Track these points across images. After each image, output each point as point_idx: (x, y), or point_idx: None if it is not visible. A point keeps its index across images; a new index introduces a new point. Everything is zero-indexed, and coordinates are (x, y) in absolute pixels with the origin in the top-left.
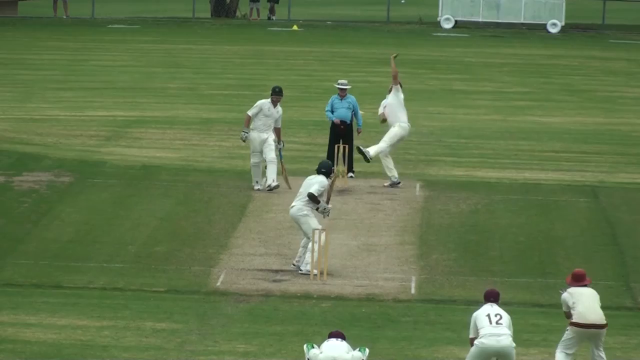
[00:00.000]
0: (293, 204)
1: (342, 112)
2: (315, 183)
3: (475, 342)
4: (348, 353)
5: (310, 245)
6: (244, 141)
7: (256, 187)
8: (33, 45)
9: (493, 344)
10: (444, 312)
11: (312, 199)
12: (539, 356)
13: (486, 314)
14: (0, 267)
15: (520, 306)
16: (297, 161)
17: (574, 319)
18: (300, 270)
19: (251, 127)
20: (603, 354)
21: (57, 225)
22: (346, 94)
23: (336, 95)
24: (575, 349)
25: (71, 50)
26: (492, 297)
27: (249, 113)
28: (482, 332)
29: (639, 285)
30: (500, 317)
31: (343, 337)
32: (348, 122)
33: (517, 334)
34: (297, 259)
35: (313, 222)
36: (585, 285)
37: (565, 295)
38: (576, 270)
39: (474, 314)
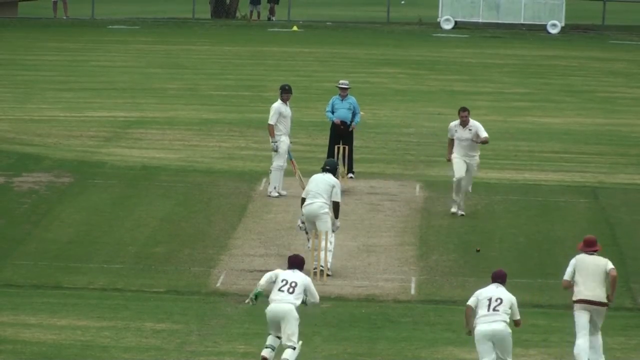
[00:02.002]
0: (313, 200)
1: (343, 112)
2: (336, 186)
3: (475, 329)
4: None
5: (323, 244)
6: (276, 151)
7: (274, 194)
8: (33, 46)
9: (485, 328)
10: (444, 312)
11: (337, 208)
12: (539, 357)
13: (488, 297)
14: (0, 268)
15: (520, 307)
16: (297, 162)
17: (575, 297)
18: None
19: (277, 132)
20: (599, 338)
21: (57, 226)
22: (347, 94)
23: (337, 96)
24: (587, 330)
25: (71, 51)
26: (498, 278)
27: (271, 122)
28: (478, 315)
29: (639, 286)
30: (500, 302)
31: (300, 266)
32: (348, 122)
33: (517, 335)
34: (315, 264)
35: (330, 222)
36: (594, 252)
37: (572, 260)
38: (587, 236)
39: (478, 292)
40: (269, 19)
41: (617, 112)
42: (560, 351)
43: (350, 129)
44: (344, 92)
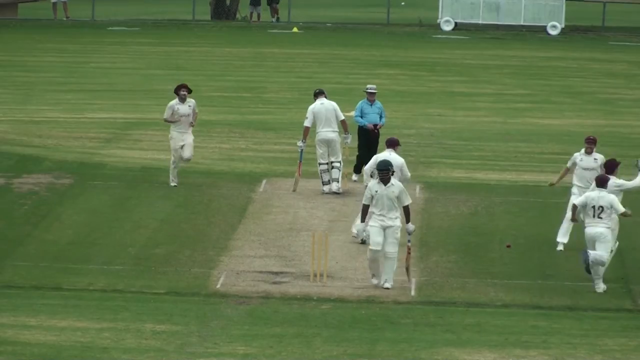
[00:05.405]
0: (389, 223)
1: (373, 117)
2: (401, 191)
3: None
4: None
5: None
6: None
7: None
8: (33, 47)
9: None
10: (444, 314)
11: (407, 212)
12: (539, 358)
13: (592, 205)
14: (0, 269)
15: (520, 308)
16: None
17: None
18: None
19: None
20: None
21: (57, 227)
22: (375, 99)
23: (364, 101)
24: None
25: (71, 53)
26: (600, 183)
27: (306, 124)
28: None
29: (639, 288)
30: (602, 210)
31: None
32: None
33: (517, 336)
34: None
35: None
36: None
37: None
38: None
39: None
40: (276, 19)
41: (617, 114)
42: (560, 352)
43: (378, 128)
44: (372, 97)
